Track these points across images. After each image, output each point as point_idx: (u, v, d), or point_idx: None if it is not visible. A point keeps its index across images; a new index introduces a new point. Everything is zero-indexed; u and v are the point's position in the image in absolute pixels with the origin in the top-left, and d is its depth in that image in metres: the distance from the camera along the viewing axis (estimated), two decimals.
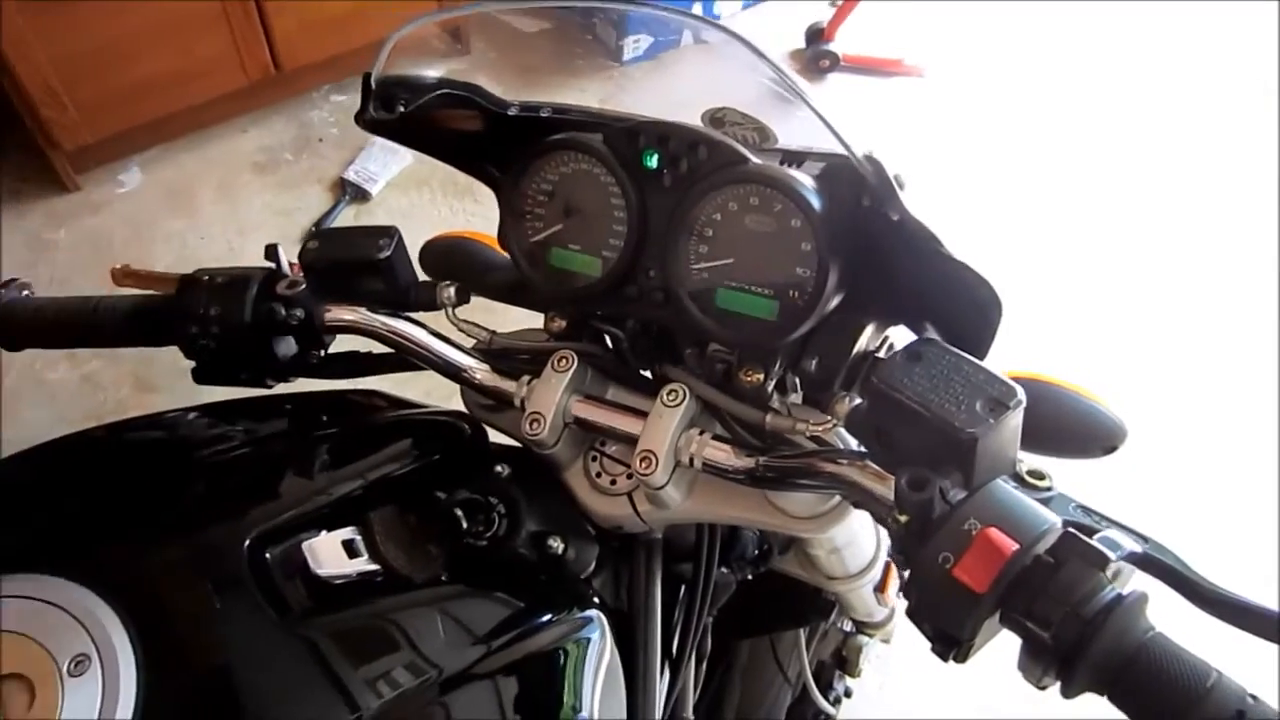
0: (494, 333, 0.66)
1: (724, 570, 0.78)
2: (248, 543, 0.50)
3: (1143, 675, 0.40)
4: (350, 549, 0.54)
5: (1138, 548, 0.46)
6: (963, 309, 0.54)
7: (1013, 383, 0.49)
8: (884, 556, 0.82)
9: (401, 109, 0.61)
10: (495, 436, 0.69)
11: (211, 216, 2.18)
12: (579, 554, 0.62)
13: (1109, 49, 2.88)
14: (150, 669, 0.44)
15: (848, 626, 1.17)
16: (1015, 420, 0.48)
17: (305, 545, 0.52)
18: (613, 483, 0.63)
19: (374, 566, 0.54)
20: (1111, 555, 0.42)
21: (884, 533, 0.82)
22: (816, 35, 2.67)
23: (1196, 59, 2.88)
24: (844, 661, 1.19)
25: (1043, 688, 0.44)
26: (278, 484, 0.56)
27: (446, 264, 0.79)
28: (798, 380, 0.63)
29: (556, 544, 0.60)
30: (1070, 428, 0.65)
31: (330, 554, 0.53)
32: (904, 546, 0.47)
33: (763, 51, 0.49)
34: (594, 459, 0.64)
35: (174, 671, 0.45)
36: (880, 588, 0.96)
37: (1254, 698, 0.39)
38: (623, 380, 0.64)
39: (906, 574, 0.48)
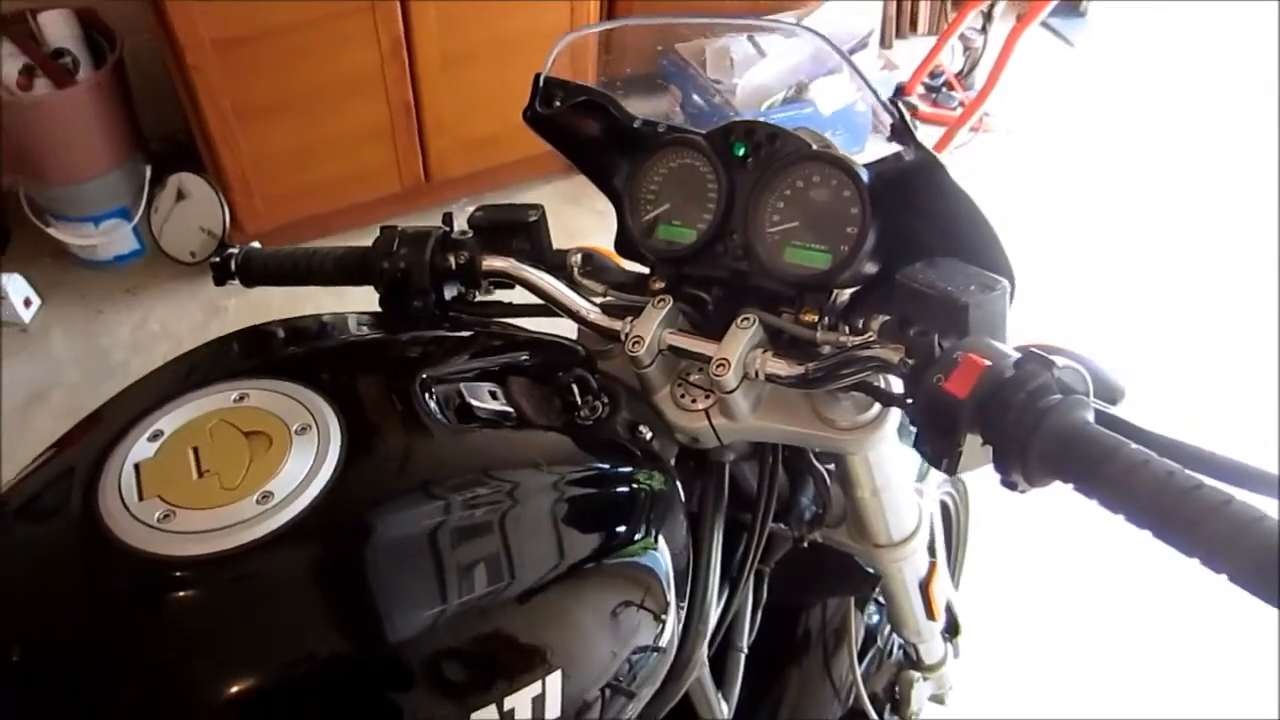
0: (608, 287, 0.82)
1: (781, 527, 0.89)
2: (422, 378, 0.67)
3: (1089, 453, 0.49)
4: (493, 396, 0.70)
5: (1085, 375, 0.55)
6: (971, 239, 0.66)
7: (1000, 277, 0.62)
8: (925, 532, 0.91)
9: (557, 105, 0.80)
10: None
11: (355, 297, 2.46)
12: (663, 447, 0.74)
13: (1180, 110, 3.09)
14: (351, 437, 0.60)
15: (899, 649, 1.22)
16: (1002, 302, 0.60)
17: (461, 386, 0.69)
18: (693, 401, 0.75)
19: (509, 409, 0.69)
20: (1058, 361, 0.53)
21: (926, 510, 0.92)
22: (900, 91, 3.17)
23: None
24: (896, 702, 1.23)
25: (1015, 485, 0.53)
26: (442, 355, 0.73)
27: None
28: (845, 327, 0.74)
29: (646, 432, 0.73)
30: None
31: (479, 394, 0.69)
32: (910, 384, 0.60)
33: (826, 38, 0.69)
34: (679, 385, 0.76)
35: (366, 441, 0.61)
36: (928, 605, 1.02)
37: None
38: (705, 331, 0.75)
39: (912, 422, 0.59)
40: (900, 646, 1.23)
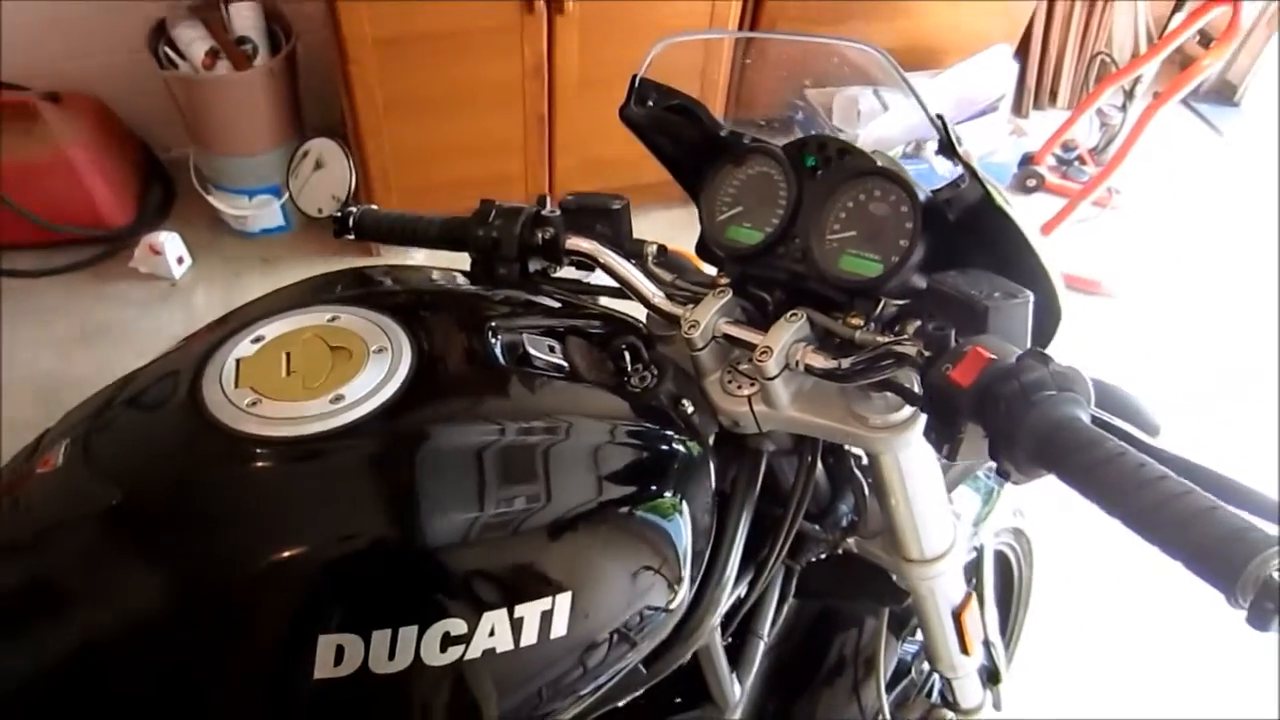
0: (677, 277, 0.87)
1: (816, 528, 0.92)
2: (491, 324, 0.75)
3: (1070, 443, 0.51)
4: (551, 350, 0.77)
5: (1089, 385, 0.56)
6: (1010, 256, 0.69)
7: (1024, 289, 0.63)
8: (958, 555, 0.93)
9: (650, 105, 0.87)
10: None
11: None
12: (702, 423, 0.78)
13: None
14: (419, 362, 0.68)
15: (937, 690, 1.22)
16: (1023, 310, 0.63)
17: (525, 336, 0.77)
18: (738, 388, 0.79)
19: (564, 363, 0.77)
20: (1054, 357, 0.55)
21: (960, 531, 0.94)
22: (1028, 159, 3.18)
23: None
24: None
25: (1007, 474, 0.56)
26: (514, 310, 0.81)
27: None
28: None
29: (688, 407, 0.78)
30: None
31: (538, 345, 0.77)
32: (923, 374, 0.62)
33: (888, 56, 0.74)
34: (728, 372, 0.80)
35: (431, 367, 0.69)
36: (961, 636, 1.02)
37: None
38: (757, 324, 0.79)
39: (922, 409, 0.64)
40: (938, 687, 1.22)
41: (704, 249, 0.88)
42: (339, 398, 0.65)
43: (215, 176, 2.62)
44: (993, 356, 0.57)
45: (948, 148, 0.70)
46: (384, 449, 0.64)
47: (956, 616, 1.01)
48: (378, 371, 0.67)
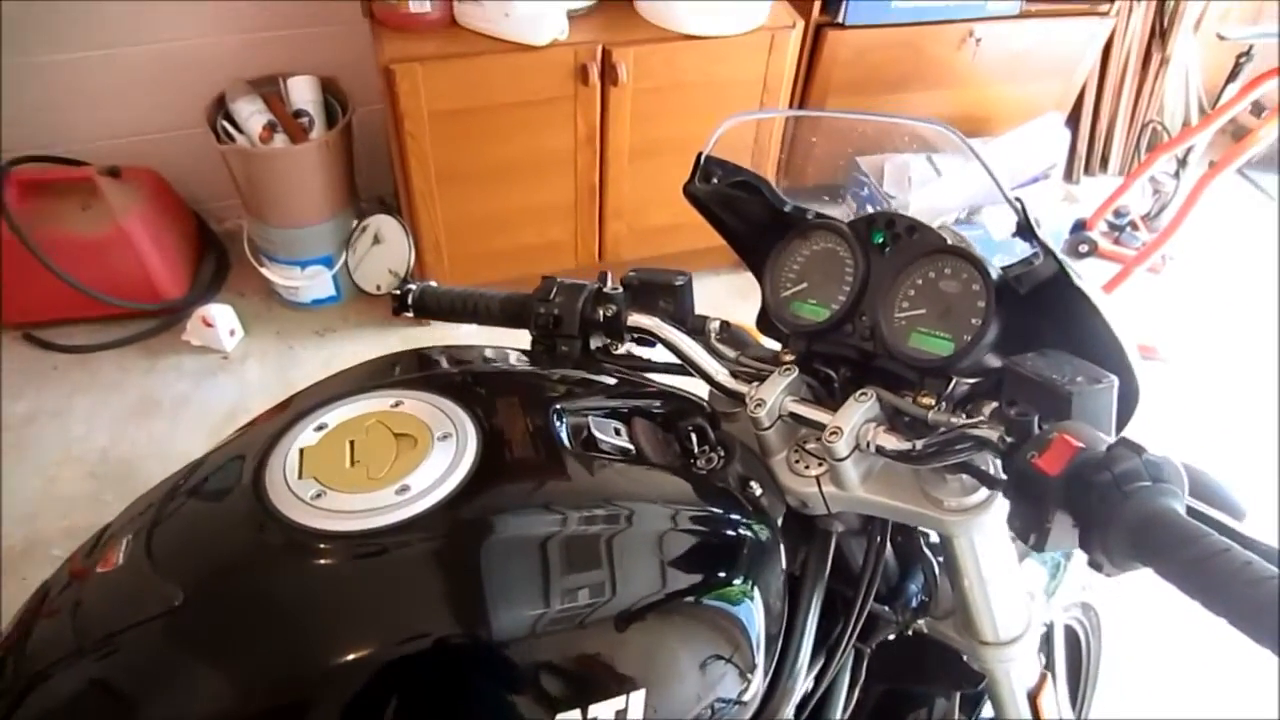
0: (741, 353, 0.86)
1: (885, 609, 0.90)
2: (556, 408, 0.73)
3: (1169, 537, 0.50)
4: (616, 433, 0.76)
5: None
6: (1088, 336, 0.68)
7: (1108, 373, 0.62)
8: (1033, 638, 0.90)
9: (714, 182, 0.87)
10: None
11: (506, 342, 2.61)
12: (771, 505, 0.77)
13: None
14: (485, 448, 0.67)
15: None
16: (1108, 395, 0.61)
17: (590, 419, 0.75)
18: (806, 468, 0.78)
19: (629, 446, 0.75)
20: (1147, 447, 0.54)
21: (1037, 618, 0.91)
22: (1080, 225, 3.16)
23: None
24: None
25: (1099, 566, 0.55)
26: (577, 391, 0.79)
27: None
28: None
29: (756, 488, 0.76)
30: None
31: (604, 429, 0.75)
32: (1005, 460, 0.61)
33: (963, 138, 0.73)
34: (795, 451, 0.79)
35: (498, 453, 0.67)
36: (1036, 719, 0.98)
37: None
38: (824, 403, 0.78)
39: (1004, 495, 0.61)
40: None
41: (766, 324, 0.88)
42: (405, 488, 0.63)
43: (269, 248, 2.66)
44: (1081, 445, 0.56)
45: (1026, 229, 0.70)
46: (451, 542, 0.62)
47: (1032, 699, 0.97)
48: (443, 459, 0.66)
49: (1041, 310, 0.72)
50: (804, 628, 0.80)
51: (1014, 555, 0.85)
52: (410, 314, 1.01)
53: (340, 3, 2.46)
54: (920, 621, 0.93)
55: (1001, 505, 0.74)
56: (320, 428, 0.69)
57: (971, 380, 0.74)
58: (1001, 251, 2.60)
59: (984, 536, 0.80)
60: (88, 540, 0.71)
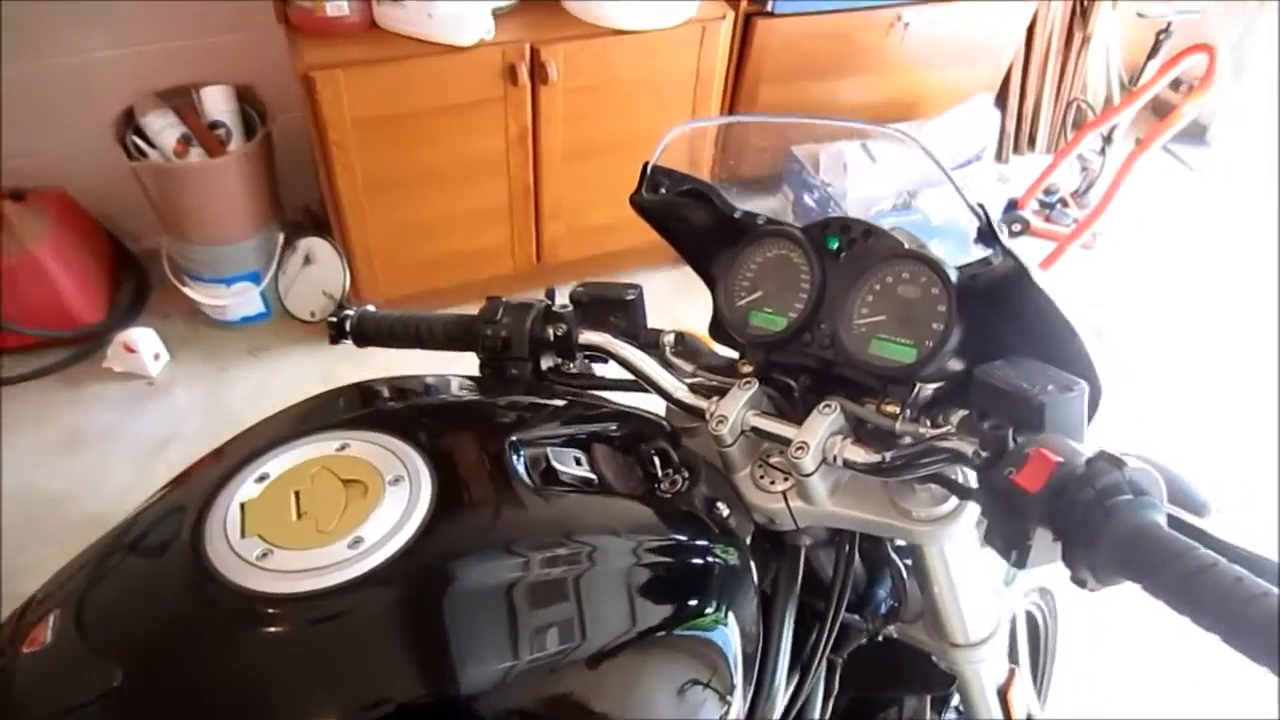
0: (697, 366, 0.84)
1: (856, 618, 0.89)
2: (511, 440, 0.69)
3: (1152, 555, 0.49)
4: (577, 462, 0.72)
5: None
6: (1052, 340, 0.67)
7: (1078, 378, 0.62)
8: (1003, 636, 0.90)
9: (662, 192, 0.84)
10: None
11: (453, 365, 2.55)
12: (739, 525, 0.75)
13: None
14: (441, 491, 0.62)
15: None
16: (1079, 402, 0.61)
17: (549, 450, 0.71)
18: (772, 483, 0.76)
19: (592, 476, 0.71)
20: (1129, 461, 0.53)
21: (1005, 614, 0.91)
22: (1012, 205, 3.22)
23: None
24: None
25: (1083, 582, 0.54)
26: (532, 421, 0.75)
27: None
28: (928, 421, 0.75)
29: (723, 509, 0.73)
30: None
31: (563, 459, 0.71)
32: (981, 476, 0.60)
33: (924, 145, 0.71)
34: (759, 466, 0.78)
35: (454, 496, 0.63)
36: (1006, 714, 0.99)
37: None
38: (789, 416, 0.75)
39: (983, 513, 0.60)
40: None
41: (721, 332, 0.86)
42: (358, 540, 0.58)
43: (191, 266, 2.55)
44: (1060, 459, 0.55)
45: (989, 235, 0.69)
46: (411, 596, 0.57)
47: (1002, 695, 0.98)
48: (397, 505, 0.61)
49: (1002, 311, 0.71)
50: (779, 645, 0.78)
51: (982, 559, 0.84)
52: (349, 342, 0.96)
53: (253, 4, 2.35)
54: (890, 627, 0.92)
55: (972, 512, 0.73)
56: (261, 478, 0.63)
57: (935, 385, 0.73)
58: (939, 236, 2.63)
59: (954, 544, 0.79)
60: (10, 615, 0.64)
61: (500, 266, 2.61)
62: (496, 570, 0.59)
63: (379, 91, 2.12)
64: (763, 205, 0.85)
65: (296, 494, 0.62)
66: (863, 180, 2.62)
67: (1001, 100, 3.35)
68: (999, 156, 3.48)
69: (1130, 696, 1.95)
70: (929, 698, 1.13)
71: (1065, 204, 3.24)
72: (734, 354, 0.85)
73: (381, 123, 2.17)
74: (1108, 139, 3.08)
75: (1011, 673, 1.00)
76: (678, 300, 2.71)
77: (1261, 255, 3.24)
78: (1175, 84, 3.07)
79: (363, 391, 0.79)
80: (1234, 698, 1.92)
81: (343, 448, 0.66)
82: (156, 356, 2.55)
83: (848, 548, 0.82)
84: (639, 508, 0.71)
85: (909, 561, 0.88)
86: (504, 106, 2.26)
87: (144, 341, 2.51)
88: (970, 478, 0.68)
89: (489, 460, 0.68)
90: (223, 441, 0.72)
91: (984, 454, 0.61)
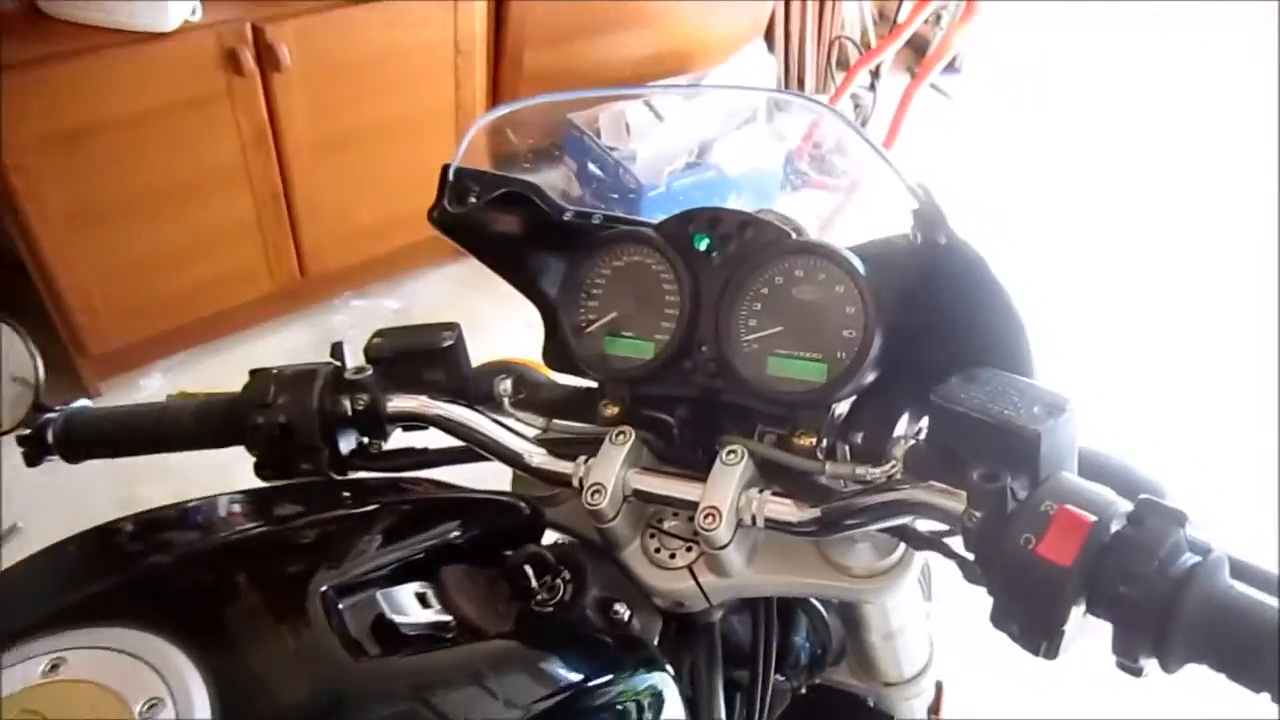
0: (550, 420, 0.67)
1: (779, 678, 0.77)
2: (323, 591, 0.49)
3: (1243, 631, 0.40)
4: (423, 600, 0.55)
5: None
6: (1004, 338, 0.57)
7: (1061, 392, 0.51)
8: (935, 669, 0.81)
9: (473, 201, 0.66)
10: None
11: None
12: (644, 623, 0.62)
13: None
14: (224, 701, 0.43)
15: None
16: (1071, 424, 0.50)
17: (379, 594, 0.53)
18: (672, 556, 0.63)
19: (446, 617, 0.55)
20: (1189, 513, 0.43)
21: (935, 642, 0.82)
22: (790, 159, 3.04)
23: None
24: None
25: (1141, 671, 0.44)
26: (345, 548, 0.55)
27: None
28: (847, 449, 0.63)
29: (622, 610, 0.60)
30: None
31: (404, 603, 0.54)
32: (981, 544, 0.48)
33: (844, 116, 0.57)
34: (651, 536, 0.64)
35: (246, 702, 0.44)
36: None
37: None
38: (674, 460, 0.64)
39: (986, 590, 0.48)
40: None
41: (556, 358, 0.70)
42: None
43: None
44: (1093, 519, 0.44)
45: (933, 222, 0.57)
46: None
47: (934, 712, 0.91)
48: None
49: (925, 302, 0.60)
50: None
51: (920, 597, 0.77)
52: (54, 458, 0.71)
53: None
54: (815, 678, 0.82)
55: (920, 559, 0.63)
56: None
57: (849, 399, 0.63)
58: (737, 190, 2.51)
59: (898, 597, 0.68)
60: None
61: (257, 288, 2.28)
62: None
63: (59, 99, 1.75)
64: (543, 180, 0.71)
65: None
66: (651, 141, 2.46)
67: (768, 43, 3.29)
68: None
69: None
70: None
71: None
72: (584, 381, 0.71)
73: (73, 138, 1.80)
74: (876, 74, 3.09)
75: (939, 690, 0.91)
76: (468, 296, 2.47)
77: (1025, 178, 3.36)
78: (935, 18, 3.13)
79: (80, 551, 0.56)
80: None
81: (53, 668, 0.44)
82: None
83: (765, 612, 0.71)
84: (516, 649, 0.55)
85: (833, 610, 0.78)
86: (230, 102, 1.95)
87: None
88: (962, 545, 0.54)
89: (291, 634, 0.49)
90: None
91: (977, 514, 0.49)
